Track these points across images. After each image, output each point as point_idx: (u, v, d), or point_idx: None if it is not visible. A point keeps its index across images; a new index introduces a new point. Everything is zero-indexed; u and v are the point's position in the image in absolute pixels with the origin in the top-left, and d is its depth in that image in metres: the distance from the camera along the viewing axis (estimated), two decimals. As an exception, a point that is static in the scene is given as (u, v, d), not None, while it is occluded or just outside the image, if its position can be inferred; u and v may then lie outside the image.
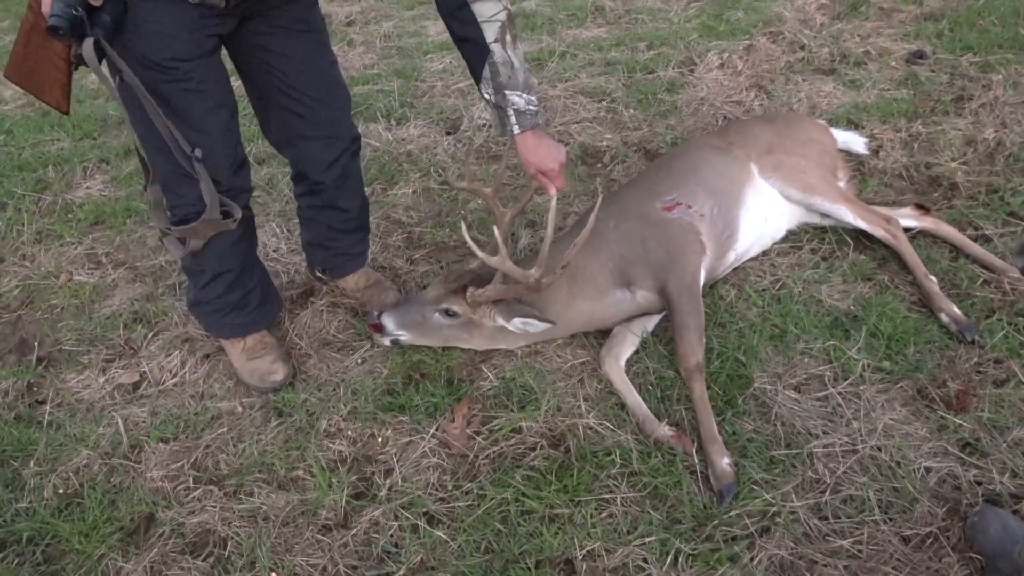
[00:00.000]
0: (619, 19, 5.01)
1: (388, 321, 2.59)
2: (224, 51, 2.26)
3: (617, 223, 2.70)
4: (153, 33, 1.97)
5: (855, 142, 3.35)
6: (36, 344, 2.92)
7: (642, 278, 2.61)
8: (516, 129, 2.23)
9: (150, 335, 2.87)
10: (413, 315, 2.60)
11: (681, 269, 2.59)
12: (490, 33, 2.11)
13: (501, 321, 2.54)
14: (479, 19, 2.10)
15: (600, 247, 2.65)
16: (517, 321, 2.51)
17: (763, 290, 2.81)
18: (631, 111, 3.95)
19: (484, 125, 3.93)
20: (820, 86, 3.94)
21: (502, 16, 2.12)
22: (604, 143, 3.72)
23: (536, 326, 2.51)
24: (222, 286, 2.48)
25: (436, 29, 5.18)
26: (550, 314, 2.56)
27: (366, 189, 3.48)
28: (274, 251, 3.25)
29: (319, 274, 2.90)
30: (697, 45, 4.44)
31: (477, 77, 2.21)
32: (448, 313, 2.56)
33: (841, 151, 3.24)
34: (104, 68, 1.91)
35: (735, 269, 2.90)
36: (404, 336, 2.62)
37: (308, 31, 2.29)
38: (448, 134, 3.95)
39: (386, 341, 2.62)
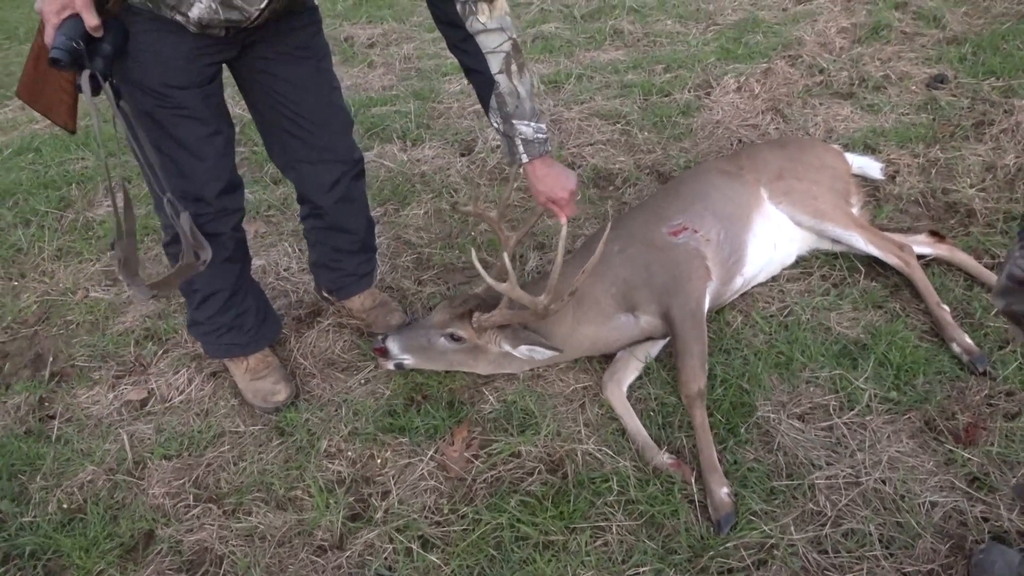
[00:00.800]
0: (637, 42, 5.02)
1: (392, 345, 2.60)
2: (228, 72, 2.31)
3: (622, 247, 2.69)
4: (151, 61, 2.02)
5: (871, 167, 3.31)
6: (50, 359, 2.97)
7: (646, 303, 2.59)
8: (524, 158, 2.25)
9: (160, 352, 2.91)
10: (418, 339, 2.60)
11: (685, 294, 2.57)
12: (495, 64, 2.14)
13: (507, 347, 2.54)
14: (483, 50, 2.12)
15: (604, 272, 2.63)
16: (523, 348, 2.50)
17: (771, 316, 2.77)
18: (645, 134, 3.94)
19: (498, 147, 3.95)
20: (838, 110, 3.90)
21: (506, 47, 2.13)
22: (617, 166, 3.72)
23: (542, 353, 2.50)
24: (215, 307, 2.51)
25: (456, 51, 5.23)
26: (555, 339, 2.56)
27: (378, 209, 3.55)
28: (285, 270, 3.28)
29: (325, 295, 2.92)
30: (715, 68, 4.43)
31: (485, 106, 2.23)
32: (453, 338, 2.55)
33: (856, 176, 3.21)
34: (107, 93, 1.96)
35: (743, 295, 2.87)
36: (408, 360, 2.61)
37: (310, 57, 2.33)
38: (462, 155, 3.98)
39: (390, 365, 2.62)
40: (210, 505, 2.35)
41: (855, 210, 3.03)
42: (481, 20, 2.08)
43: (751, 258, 2.80)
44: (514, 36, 2.15)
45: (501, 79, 2.14)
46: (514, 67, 2.15)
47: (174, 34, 2.00)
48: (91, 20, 1.81)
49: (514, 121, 2.18)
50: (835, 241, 2.93)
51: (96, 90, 1.90)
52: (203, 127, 2.18)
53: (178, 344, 2.94)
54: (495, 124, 2.24)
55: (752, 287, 2.89)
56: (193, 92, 2.11)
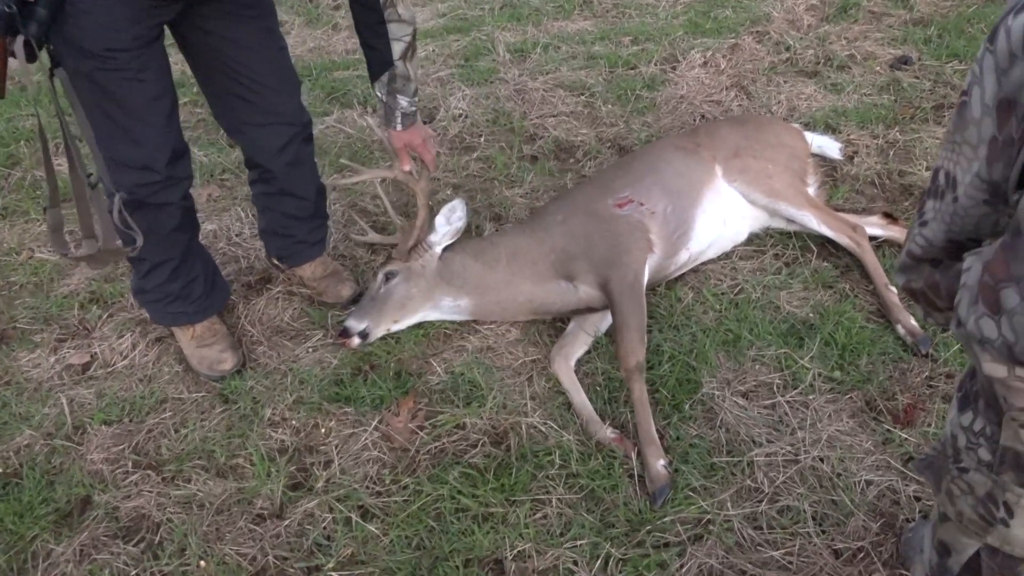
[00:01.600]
0: (606, 12, 4.96)
1: (349, 322, 2.61)
2: (169, 34, 2.24)
3: (564, 218, 2.70)
4: (92, 24, 1.94)
5: (829, 147, 3.31)
6: (-9, 321, 2.91)
7: (583, 273, 2.59)
8: (399, 127, 2.47)
9: (104, 316, 2.86)
10: (365, 304, 2.65)
11: (624, 266, 2.57)
12: (397, 50, 2.30)
13: (431, 240, 2.66)
14: (390, 37, 2.26)
15: (543, 238, 2.68)
16: (439, 220, 2.66)
17: (722, 294, 2.78)
18: (609, 106, 3.91)
19: (460, 115, 3.90)
20: (801, 88, 3.89)
21: (409, 38, 2.29)
22: (579, 138, 3.69)
23: (458, 211, 2.66)
24: (163, 275, 2.46)
25: (422, 16, 5.14)
26: (488, 284, 2.65)
27: (335, 176, 3.49)
28: (237, 235, 3.23)
29: (275, 262, 2.88)
30: (682, 42, 4.39)
31: (373, 76, 2.38)
32: (388, 276, 2.63)
33: (815, 156, 3.21)
34: (42, 60, 1.89)
35: (695, 271, 2.87)
36: (368, 325, 2.60)
37: (256, 16, 2.27)
38: (424, 123, 3.91)
39: (356, 342, 2.60)
40: (149, 472, 2.32)
41: (811, 190, 3.04)
42: (399, 11, 2.22)
43: (698, 233, 2.80)
44: (416, 26, 2.31)
45: (399, 64, 2.32)
46: (410, 52, 2.32)
47: None
48: None
49: (397, 96, 2.39)
50: (789, 220, 2.94)
51: (31, 56, 1.83)
52: (147, 90, 2.12)
53: (123, 308, 2.89)
54: (378, 92, 2.41)
55: (702, 263, 2.89)
56: (135, 54, 2.04)
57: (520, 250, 2.64)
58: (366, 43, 2.32)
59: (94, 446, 2.40)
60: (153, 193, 2.26)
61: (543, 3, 5.09)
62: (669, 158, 2.90)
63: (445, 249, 2.68)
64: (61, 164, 3.76)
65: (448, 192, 3.40)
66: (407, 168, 2.59)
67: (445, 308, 2.68)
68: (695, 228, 2.76)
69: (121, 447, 2.40)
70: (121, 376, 2.64)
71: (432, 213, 2.69)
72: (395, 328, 2.66)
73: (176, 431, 2.44)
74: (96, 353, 2.73)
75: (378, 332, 2.62)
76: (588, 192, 2.78)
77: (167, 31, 2.22)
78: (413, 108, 2.45)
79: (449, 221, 2.66)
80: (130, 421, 2.48)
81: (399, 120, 2.45)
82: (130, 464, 2.34)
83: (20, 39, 1.79)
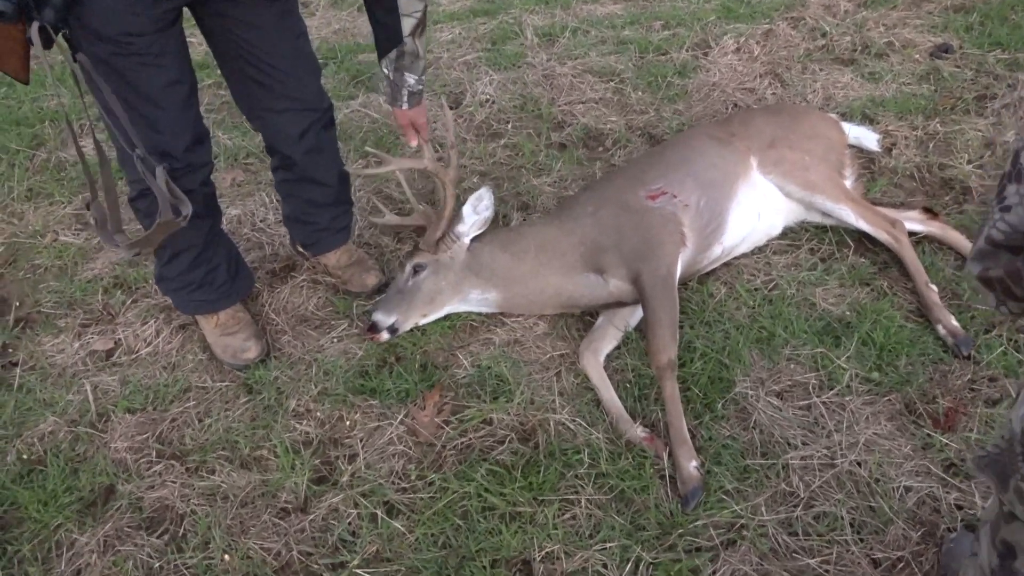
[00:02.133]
0: (637, -4, 4.85)
1: (376, 316, 2.55)
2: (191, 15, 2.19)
3: (595, 209, 2.63)
4: (107, 8, 1.90)
5: (867, 138, 3.22)
6: (15, 304, 2.89)
7: (614, 266, 2.53)
8: (405, 106, 2.43)
9: (128, 302, 2.83)
10: (392, 296, 2.59)
11: (656, 259, 2.50)
12: (407, 26, 2.24)
13: (459, 230, 2.60)
14: (401, 12, 2.20)
15: (573, 229, 2.61)
16: (467, 210, 2.59)
17: (755, 289, 2.71)
18: (639, 93, 3.82)
19: (487, 100, 3.83)
20: (838, 77, 3.78)
21: (420, 14, 2.23)
22: (608, 126, 3.61)
23: (485, 200, 2.60)
24: (184, 263, 2.43)
25: (449, -2, 5.06)
26: (516, 276, 2.59)
27: (360, 162, 3.44)
28: (261, 221, 3.19)
29: (300, 249, 2.84)
30: (714, 27, 4.28)
31: (381, 53, 2.33)
32: (417, 269, 2.57)
33: (851, 147, 3.12)
34: (61, 46, 1.85)
35: (727, 265, 2.80)
36: (396, 318, 2.55)
37: (275, 0, 2.21)
38: (450, 108, 3.85)
39: (384, 336, 2.55)
40: (173, 462, 2.30)
41: (848, 182, 2.95)
42: None
43: (732, 227, 2.73)
44: (427, 3, 2.27)
45: (408, 40, 2.26)
46: (418, 30, 2.26)
47: None
48: None
49: (405, 73, 2.35)
50: (825, 214, 2.86)
51: (48, 43, 1.80)
52: (165, 75, 2.07)
53: (147, 294, 2.86)
54: (385, 69, 2.35)
55: (735, 257, 2.82)
56: (153, 38, 2.00)
57: (549, 241, 2.58)
58: (375, 18, 2.27)
59: (118, 434, 2.38)
60: (174, 180, 2.21)
61: (572, -15, 4.98)
62: (702, 148, 2.82)
63: (473, 240, 2.62)
64: (85, 145, 3.74)
65: (475, 180, 3.34)
66: (414, 143, 2.55)
67: (473, 301, 2.63)
68: (729, 221, 2.69)
69: (145, 436, 2.38)
70: (145, 363, 2.62)
71: (459, 202, 2.63)
72: (423, 322, 2.62)
73: (200, 421, 2.42)
74: (120, 339, 2.71)
75: (407, 326, 2.57)
76: (619, 183, 2.71)
77: (187, 13, 2.17)
78: (420, 87, 2.41)
79: (476, 210, 2.60)
80: (154, 410, 2.46)
81: (405, 98, 2.41)
82: (154, 454, 2.32)
83: (35, 25, 1.75)
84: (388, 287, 2.70)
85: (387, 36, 2.27)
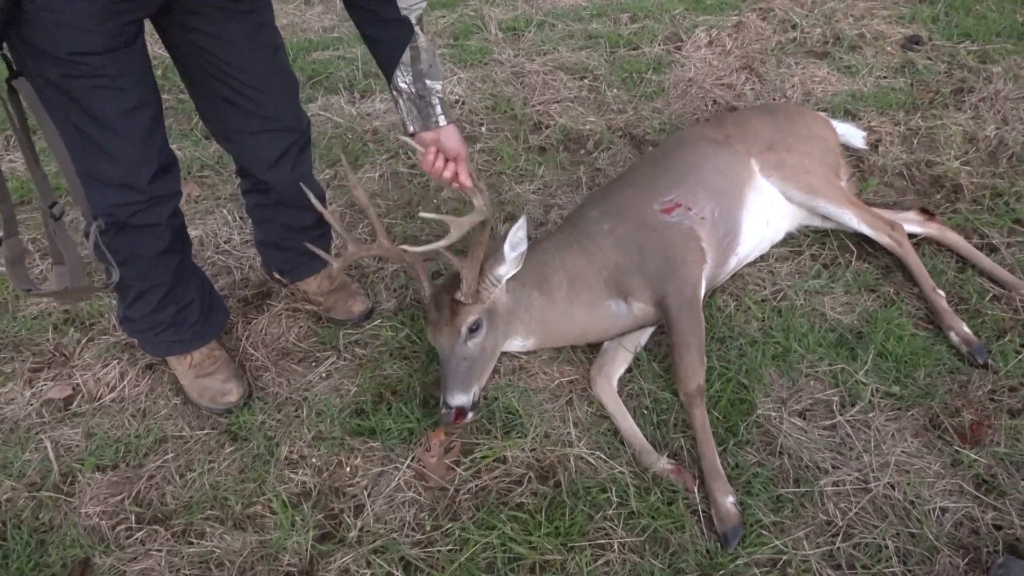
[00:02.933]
0: (599, -14, 4.70)
1: (457, 399, 2.19)
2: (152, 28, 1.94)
3: (612, 226, 2.46)
4: (54, 23, 1.63)
5: (854, 135, 3.15)
6: (-49, 347, 2.57)
7: (639, 289, 2.39)
8: (443, 120, 2.01)
9: (84, 340, 2.55)
10: (460, 369, 2.23)
11: (681, 279, 2.37)
12: (413, 18, 1.93)
13: (501, 279, 2.28)
14: (400, 6, 1.90)
15: (595, 252, 2.42)
16: (505, 249, 2.23)
17: (763, 301, 2.61)
18: (615, 91, 3.68)
19: (458, 101, 3.63)
20: (814, 71, 3.72)
21: (420, 8, 1.93)
22: (587, 127, 3.46)
23: (521, 232, 2.24)
24: (151, 303, 2.17)
25: (402, -11, 4.80)
26: (549, 320, 2.38)
27: (327, 172, 3.21)
28: (225, 242, 2.93)
29: (276, 275, 2.60)
30: (683, 19, 4.18)
31: (392, 64, 1.96)
32: (472, 329, 2.24)
33: (840, 145, 3.05)
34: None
35: (732, 276, 2.69)
36: (475, 390, 2.24)
37: (248, 11, 1.96)
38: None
39: (470, 415, 2.22)
40: (156, 527, 2.06)
41: (843, 184, 2.88)
42: None
43: (745, 237, 2.62)
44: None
45: (420, 33, 1.94)
46: (423, 26, 1.96)
47: None
48: None
49: (427, 80, 1.97)
50: (825, 218, 2.78)
51: None
52: (124, 100, 1.80)
53: (105, 330, 2.58)
54: (403, 84, 1.97)
55: (742, 267, 2.72)
56: (109, 57, 1.73)
57: (578, 272, 2.37)
58: (374, 18, 1.93)
59: (88, 497, 2.12)
60: (135, 213, 1.95)
61: (531, -25, 4.80)
62: (705, 153, 2.69)
63: (508, 280, 2.34)
64: (15, 160, 3.39)
65: (454, 186, 3.14)
66: (460, 182, 2.09)
67: (512, 346, 2.40)
68: (742, 231, 2.58)
69: (119, 497, 2.13)
70: (110, 412, 2.35)
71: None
72: None
73: (181, 476, 2.18)
74: (79, 384, 2.43)
75: (484, 391, 2.32)
76: (629, 195, 2.55)
77: (149, 27, 1.91)
78: (444, 95, 2.03)
79: (514, 247, 2.26)
80: (127, 466, 2.21)
81: (439, 111, 1.98)
82: (133, 518, 2.08)
83: None
84: (441, 360, 2.28)
85: (393, 32, 1.92)
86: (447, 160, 2.07)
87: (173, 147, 3.29)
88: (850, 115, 3.41)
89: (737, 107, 3.52)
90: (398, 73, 1.97)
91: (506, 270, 2.28)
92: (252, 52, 2.03)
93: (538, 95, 3.65)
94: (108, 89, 1.77)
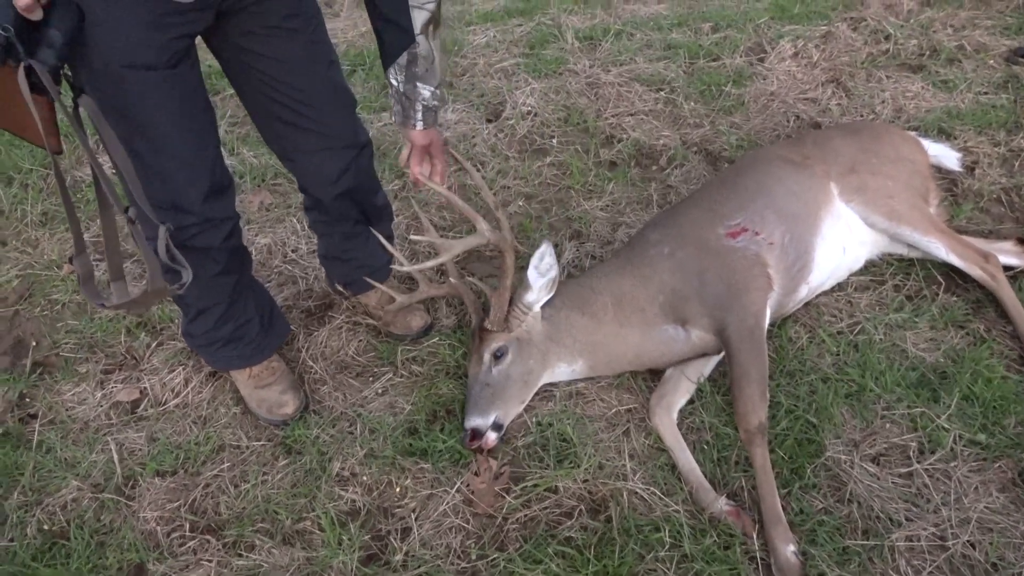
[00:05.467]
0: (681, -7, 4.57)
1: (475, 421, 2.21)
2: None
3: (672, 250, 2.37)
4: (107, 37, 1.65)
5: (947, 157, 2.95)
6: (32, 345, 2.69)
7: (697, 316, 2.29)
8: (420, 126, 2.02)
9: (154, 345, 2.62)
10: (482, 394, 2.24)
11: (743, 308, 2.26)
12: (419, 21, 1.86)
13: (532, 306, 2.28)
14: (411, 3, 1.83)
15: (650, 276, 2.34)
16: (532, 275, 2.25)
17: (839, 333, 2.47)
18: (692, 104, 3.57)
19: (529, 112, 3.58)
20: (907, 85, 3.51)
21: (432, 6, 1.86)
22: (661, 141, 3.36)
23: (547, 257, 2.25)
24: (210, 321, 2.20)
25: (481, -4, 4.79)
26: (597, 341, 2.31)
27: (396, 183, 3.21)
28: (293, 251, 2.96)
29: (339, 288, 2.61)
30: (768, 29, 4.01)
31: (388, 60, 1.95)
32: (497, 355, 2.25)
33: (931, 167, 2.86)
34: (49, 86, 1.58)
35: (806, 305, 2.56)
36: (497, 415, 2.23)
37: (299, 29, 1.95)
38: (488, 121, 3.61)
39: (493, 437, 2.21)
40: (208, 537, 2.09)
41: (933, 210, 2.70)
42: None
43: (818, 264, 2.48)
44: None
45: (421, 40, 1.88)
46: (432, 27, 1.89)
47: (130, 3, 1.63)
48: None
49: (418, 84, 1.95)
50: (911, 246, 2.61)
51: (39, 86, 1.51)
52: (177, 117, 1.81)
53: (173, 336, 2.65)
54: (394, 81, 1.97)
55: (816, 296, 2.58)
56: (160, 74, 1.74)
57: (626, 295, 2.32)
58: (380, 14, 1.89)
59: (147, 502, 2.17)
60: (191, 237, 1.96)
61: (612, -17, 4.71)
62: (779, 175, 2.57)
63: (544, 306, 2.33)
64: (103, 162, 3.53)
65: (520, 203, 3.11)
66: (421, 183, 2.14)
67: (562, 373, 2.35)
68: (815, 258, 2.45)
69: (176, 504, 2.17)
70: (173, 417, 2.41)
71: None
72: (522, 408, 2.33)
73: (236, 487, 2.21)
74: (146, 388, 2.50)
75: (510, 419, 2.28)
76: (694, 217, 2.46)
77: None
78: (436, 102, 2.01)
79: (540, 272, 2.26)
80: (185, 473, 2.25)
81: (419, 116, 1.99)
82: (187, 527, 2.12)
83: (22, 67, 1.48)
84: (468, 385, 2.31)
85: (395, 35, 1.89)
86: (432, 161, 2.12)
87: (248, 154, 3.40)
88: (944, 134, 3.20)
89: (821, 123, 3.35)
90: (392, 70, 1.96)
91: (535, 297, 2.28)
92: (307, 70, 2.02)
93: (612, 107, 3.57)
94: (159, 107, 1.78)
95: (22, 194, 3.34)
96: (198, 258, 1.96)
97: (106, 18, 1.63)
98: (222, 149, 2.11)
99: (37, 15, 1.49)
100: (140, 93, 1.74)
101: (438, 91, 1.99)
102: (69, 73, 1.68)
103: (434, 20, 1.88)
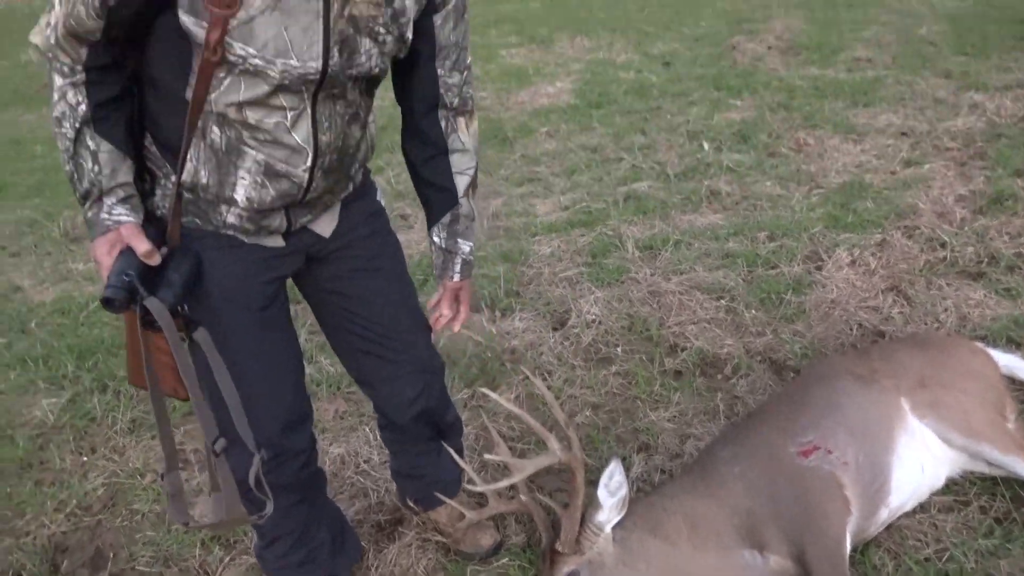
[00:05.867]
0: (736, 204, 4.80)
1: None
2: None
3: (744, 469, 2.35)
4: (225, 277, 1.83)
5: (1020, 368, 2.92)
6: (110, 558, 2.74)
7: (775, 541, 2.23)
8: (457, 277, 2.18)
9: (227, 559, 2.65)
10: None
11: (821, 533, 2.20)
12: (461, 185, 2.06)
13: (603, 527, 2.22)
14: (453, 170, 2.04)
15: (724, 497, 2.31)
16: (602, 494, 2.20)
17: (926, 560, 2.36)
18: (753, 312, 3.66)
19: (594, 321, 3.72)
20: (968, 293, 3.55)
21: (472, 171, 2.07)
22: (725, 350, 3.42)
23: (616, 476, 2.20)
24: (283, 547, 2.24)
25: (544, 208, 5.12)
26: (670, 568, 2.23)
27: (465, 392, 3.30)
28: (365, 462, 3.03)
29: (411, 504, 2.64)
30: (823, 238, 4.16)
31: (433, 220, 2.13)
32: None
33: (1004, 379, 2.83)
34: (164, 324, 1.69)
35: (887, 528, 2.47)
36: None
37: (381, 268, 2.13)
38: (554, 329, 3.74)
39: None
40: None
41: (1011, 425, 2.64)
42: (461, 139, 2.01)
43: (897, 485, 2.42)
44: (478, 159, 2.10)
45: (463, 202, 2.08)
46: (471, 190, 2.10)
47: (229, 249, 1.83)
48: (141, 246, 1.63)
49: (459, 240, 2.13)
50: (991, 464, 2.54)
51: (151, 323, 1.63)
52: (267, 355, 1.96)
53: (246, 550, 2.68)
54: (436, 238, 2.14)
55: (897, 518, 2.49)
56: (254, 315, 1.90)
57: (699, 516, 2.28)
58: (424, 181, 2.07)
59: None
60: (267, 472, 1.97)
61: (669, 195, 4.99)
62: (848, 390, 2.57)
63: (615, 527, 2.29)
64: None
65: (587, 413, 3.16)
66: (440, 326, 2.25)
67: None
68: (893, 479, 2.39)
69: None
70: (242, 643, 2.39)
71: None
72: None
73: None
74: (217, 607, 2.50)
75: None
76: (764, 434, 2.45)
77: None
78: (471, 256, 2.18)
79: (610, 491, 2.23)
80: None
81: (457, 268, 2.15)
82: None
83: (136, 309, 1.61)
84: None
85: (440, 200, 2.07)
86: (459, 307, 2.25)
87: (325, 362, 3.57)
88: (1014, 344, 3.18)
89: (884, 332, 3.39)
90: (435, 228, 2.13)
91: (606, 516, 2.23)
92: (388, 304, 2.16)
93: (674, 316, 3.68)
94: (243, 346, 1.89)
95: (114, 401, 3.54)
96: (273, 489, 2.02)
97: (211, 267, 1.81)
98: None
99: (156, 260, 1.67)
100: (231, 330, 1.87)
101: (472, 245, 2.17)
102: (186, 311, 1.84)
103: (473, 183, 2.09)
